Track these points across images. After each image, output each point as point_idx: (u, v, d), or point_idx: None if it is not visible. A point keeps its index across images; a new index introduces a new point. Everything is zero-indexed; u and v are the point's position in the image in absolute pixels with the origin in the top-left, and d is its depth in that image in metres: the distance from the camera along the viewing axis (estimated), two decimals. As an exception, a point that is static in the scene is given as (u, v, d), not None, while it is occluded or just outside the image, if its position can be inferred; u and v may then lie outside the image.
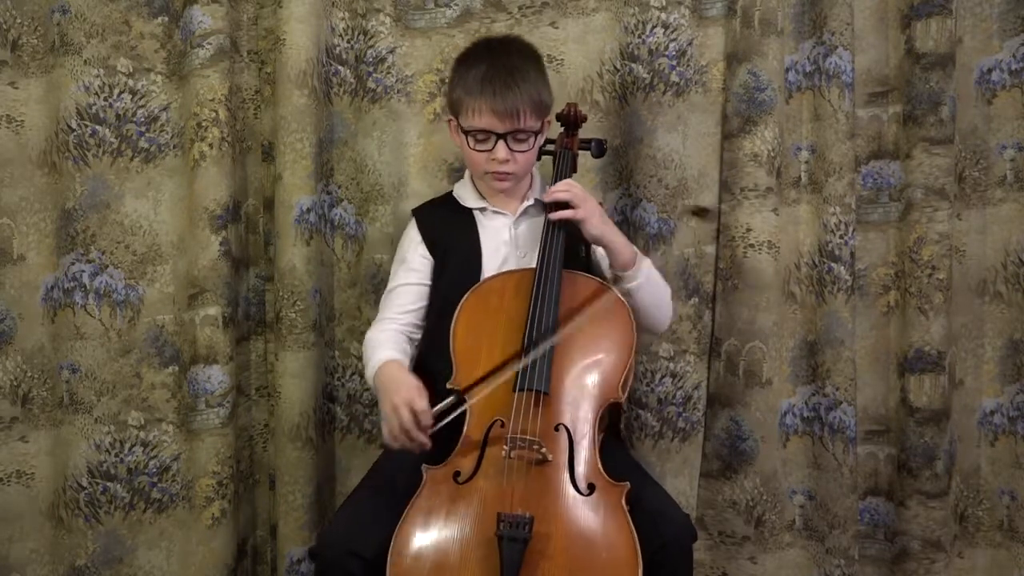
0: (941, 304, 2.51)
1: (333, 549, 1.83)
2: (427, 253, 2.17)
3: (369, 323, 2.52)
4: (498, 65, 2.05)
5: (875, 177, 2.59)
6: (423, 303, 2.15)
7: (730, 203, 2.52)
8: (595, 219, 2.02)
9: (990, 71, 2.57)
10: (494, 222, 2.17)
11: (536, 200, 2.17)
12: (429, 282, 2.15)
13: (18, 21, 2.43)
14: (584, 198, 2.03)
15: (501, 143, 2.05)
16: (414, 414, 1.82)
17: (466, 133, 2.07)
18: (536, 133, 2.09)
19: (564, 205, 2.01)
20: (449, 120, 2.16)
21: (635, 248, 2.10)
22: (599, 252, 2.14)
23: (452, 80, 2.13)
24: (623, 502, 1.78)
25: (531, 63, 2.11)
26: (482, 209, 2.18)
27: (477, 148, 2.07)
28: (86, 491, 2.47)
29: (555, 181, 2.10)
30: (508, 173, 2.08)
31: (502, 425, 1.85)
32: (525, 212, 2.17)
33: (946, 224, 2.51)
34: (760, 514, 2.55)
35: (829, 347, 2.53)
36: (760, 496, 2.53)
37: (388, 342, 2.07)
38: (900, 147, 2.56)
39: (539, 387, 1.86)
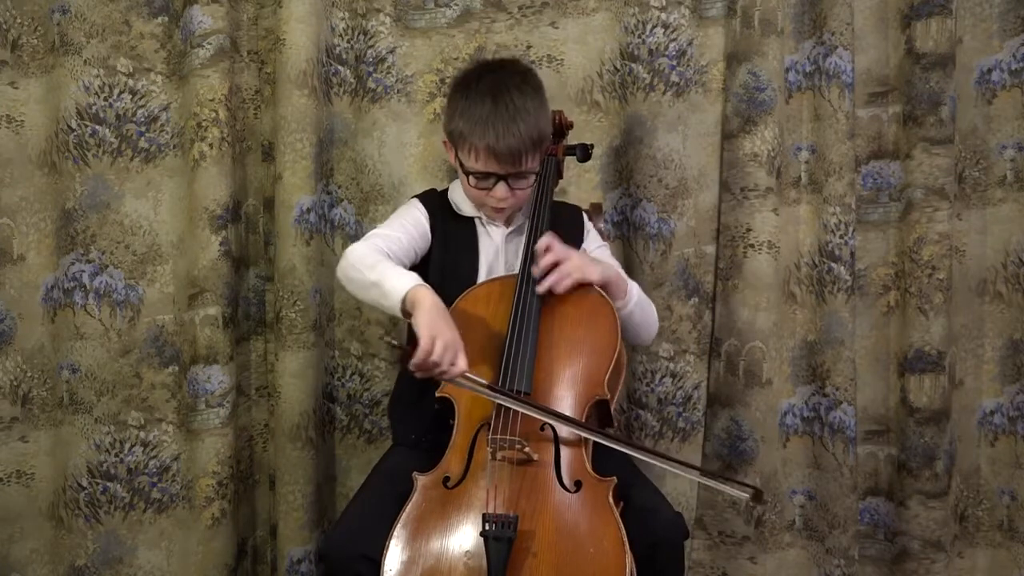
0: (941, 304, 2.51)
1: (341, 551, 1.83)
2: (428, 236, 2.11)
3: (369, 323, 2.54)
4: (500, 105, 1.96)
5: (875, 177, 2.58)
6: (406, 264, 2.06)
7: (730, 203, 2.52)
8: (580, 272, 1.97)
9: (990, 71, 2.57)
10: (490, 231, 2.16)
11: (527, 218, 2.13)
12: (415, 255, 2.09)
13: (18, 21, 2.43)
14: (565, 256, 1.97)
15: (502, 183, 2.02)
16: (454, 362, 1.78)
17: (465, 171, 2.04)
18: (536, 170, 2.06)
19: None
20: (445, 141, 2.10)
21: (623, 275, 2.07)
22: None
23: (451, 108, 2.04)
24: (610, 498, 1.78)
25: (532, 97, 2.01)
26: (479, 216, 2.17)
27: (477, 186, 2.05)
28: (86, 491, 2.47)
29: (540, 187, 2.08)
30: (507, 207, 2.08)
31: (489, 428, 1.85)
32: (517, 228, 2.15)
33: (946, 224, 2.51)
34: (760, 514, 2.55)
35: (829, 347, 2.53)
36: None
37: (402, 267, 1.97)
38: (900, 147, 2.56)
39: (520, 387, 1.86)
